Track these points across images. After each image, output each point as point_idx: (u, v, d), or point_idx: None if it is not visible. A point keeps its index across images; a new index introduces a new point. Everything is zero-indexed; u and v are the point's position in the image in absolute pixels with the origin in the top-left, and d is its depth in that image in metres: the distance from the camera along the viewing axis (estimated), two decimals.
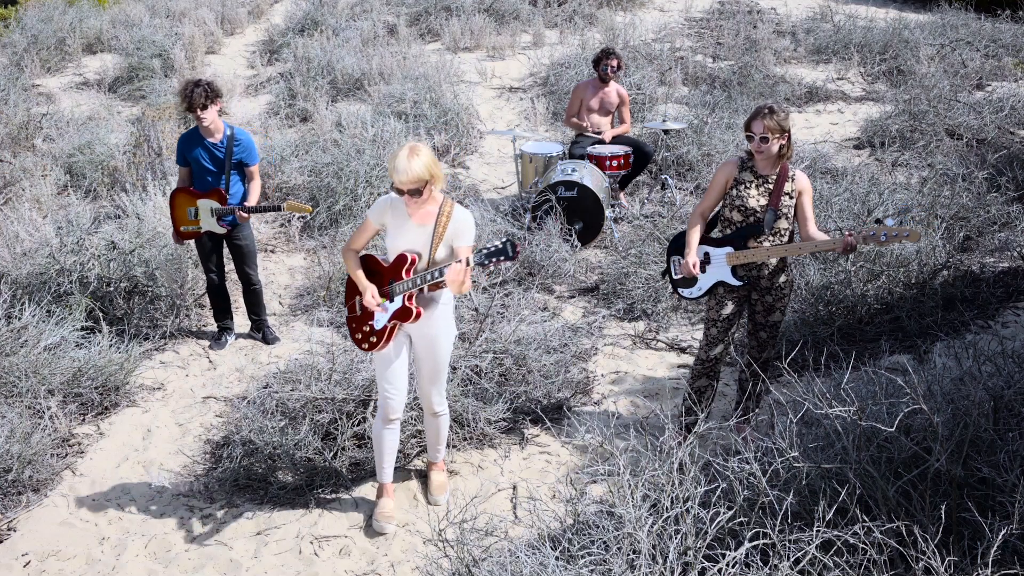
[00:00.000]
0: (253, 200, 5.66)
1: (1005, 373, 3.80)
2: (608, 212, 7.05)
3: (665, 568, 2.91)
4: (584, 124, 7.82)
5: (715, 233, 4.53)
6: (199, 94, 5.42)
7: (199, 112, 5.43)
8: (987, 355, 4.04)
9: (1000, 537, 2.71)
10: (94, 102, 10.75)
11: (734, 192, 4.35)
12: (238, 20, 14.24)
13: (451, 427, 4.72)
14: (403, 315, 3.92)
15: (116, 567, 4.05)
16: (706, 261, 4.42)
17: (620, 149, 7.55)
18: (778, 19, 13.45)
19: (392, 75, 10.83)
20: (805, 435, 3.60)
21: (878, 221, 4.10)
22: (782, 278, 4.43)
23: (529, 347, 5.27)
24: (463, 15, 13.36)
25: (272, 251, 7.37)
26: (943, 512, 2.88)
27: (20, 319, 5.44)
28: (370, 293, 3.92)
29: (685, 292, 4.53)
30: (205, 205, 5.58)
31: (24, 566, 4.06)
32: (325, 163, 7.90)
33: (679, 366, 5.52)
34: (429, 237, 3.88)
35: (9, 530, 4.28)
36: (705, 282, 4.44)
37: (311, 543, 4.14)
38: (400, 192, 3.73)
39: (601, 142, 7.72)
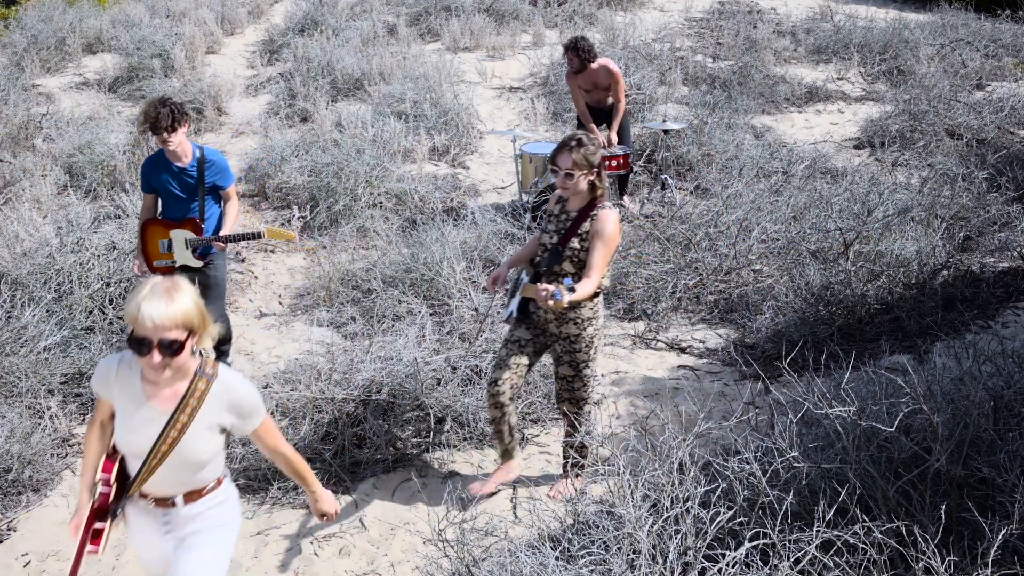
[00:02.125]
0: (229, 226, 5.14)
1: (1005, 373, 3.81)
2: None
3: (665, 568, 2.91)
4: (590, 124, 7.82)
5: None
6: (165, 115, 4.83)
7: (165, 135, 4.85)
8: (987, 355, 4.04)
9: (1000, 537, 2.71)
10: (94, 102, 10.75)
11: (544, 225, 4.10)
12: (238, 20, 14.23)
13: (451, 427, 4.73)
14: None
15: (116, 567, 4.05)
16: (518, 285, 4.15)
17: (619, 149, 7.55)
18: (778, 19, 13.45)
19: (392, 75, 10.83)
20: (805, 435, 3.60)
21: (572, 289, 3.72)
22: (571, 329, 4.03)
23: None
24: (463, 15, 13.36)
25: (272, 251, 7.37)
26: (943, 512, 2.88)
27: (20, 319, 5.44)
28: (74, 522, 2.83)
29: (502, 310, 4.29)
30: (179, 236, 5.10)
31: (24, 566, 4.06)
32: (325, 163, 7.90)
33: (679, 366, 5.53)
34: (160, 429, 2.61)
35: (9, 530, 4.28)
36: (512, 305, 4.19)
37: (311, 543, 4.14)
38: (140, 346, 2.47)
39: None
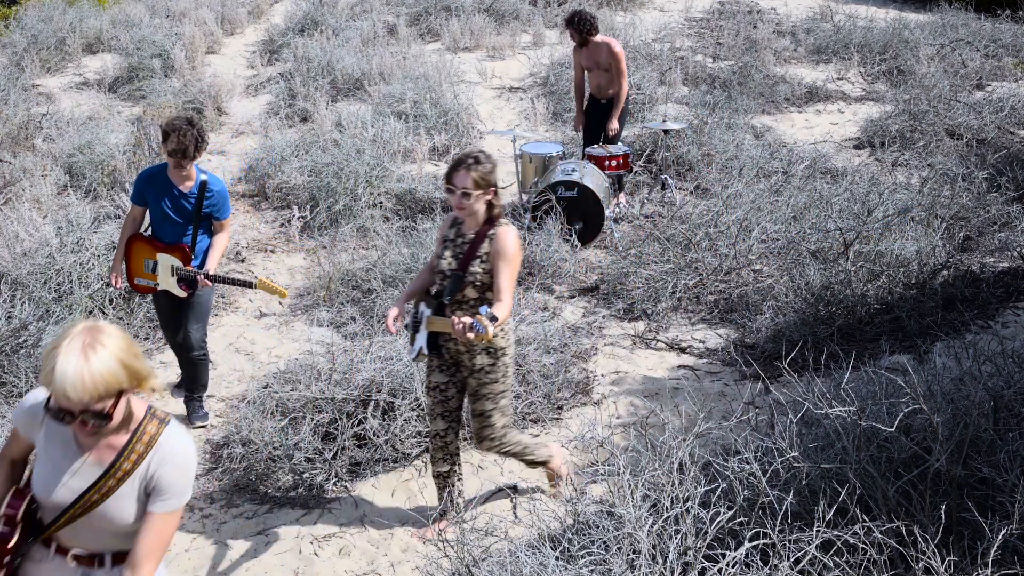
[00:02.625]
0: (215, 260, 4.82)
1: (1005, 373, 3.81)
2: (608, 212, 7.05)
3: (665, 568, 2.91)
4: (580, 107, 7.79)
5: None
6: (191, 138, 4.55)
7: (186, 163, 4.61)
8: (987, 355, 4.04)
9: (1000, 537, 2.71)
10: (94, 102, 10.75)
11: (438, 252, 3.87)
12: (238, 20, 14.23)
13: None
14: None
15: None
16: (420, 320, 3.90)
17: (619, 149, 7.55)
18: (778, 19, 13.45)
19: (392, 75, 10.83)
20: (805, 435, 3.60)
21: (493, 318, 3.50)
22: (484, 360, 3.83)
23: (529, 347, 5.27)
24: (463, 15, 13.35)
25: (272, 251, 7.37)
26: (943, 512, 2.88)
27: (20, 319, 5.44)
28: None
29: (407, 351, 3.92)
30: (165, 261, 4.80)
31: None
32: (325, 163, 7.90)
33: (679, 366, 5.53)
34: (86, 487, 2.27)
35: None
36: (418, 343, 3.92)
37: (311, 543, 4.14)
38: (61, 416, 2.14)
39: (611, 140, 7.69)
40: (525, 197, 7.47)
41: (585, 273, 6.74)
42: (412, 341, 3.96)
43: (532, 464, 4.19)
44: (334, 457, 4.54)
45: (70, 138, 8.93)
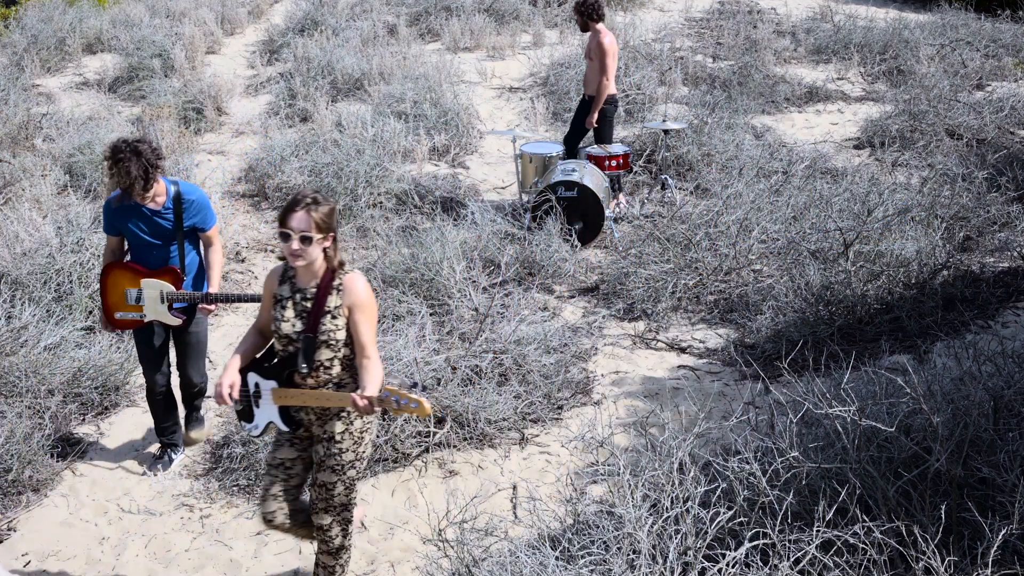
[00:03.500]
0: (215, 279, 4.36)
1: (1005, 373, 3.81)
2: (608, 212, 7.05)
3: (665, 568, 2.91)
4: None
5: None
6: (138, 171, 3.94)
7: (142, 193, 4.06)
8: (987, 355, 4.04)
9: (1000, 537, 2.71)
10: (94, 102, 10.75)
11: (274, 313, 3.40)
12: (238, 20, 14.23)
13: (451, 427, 4.73)
14: None
15: (116, 567, 4.05)
16: (258, 393, 3.46)
17: (619, 149, 7.55)
18: (778, 19, 13.45)
19: (392, 75, 10.83)
20: (805, 435, 3.60)
21: (412, 387, 3.25)
22: (335, 427, 3.40)
23: (529, 347, 5.27)
24: (463, 15, 13.35)
25: (272, 251, 7.37)
26: (943, 512, 2.89)
27: (20, 319, 5.44)
28: None
29: (247, 426, 3.53)
30: (153, 288, 4.27)
31: (24, 566, 4.06)
32: (325, 163, 7.90)
33: (679, 366, 5.52)
34: None
35: (9, 530, 4.28)
36: (260, 418, 3.48)
37: (311, 543, 4.14)
38: None
39: (601, 139, 7.68)
40: (525, 197, 7.47)
41: (585, 273, 6.74)
42: (248, 417, 3.48)
43: (331, 551, 3.60)
44: None
45: (70, 138, 8.92)
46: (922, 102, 9.19)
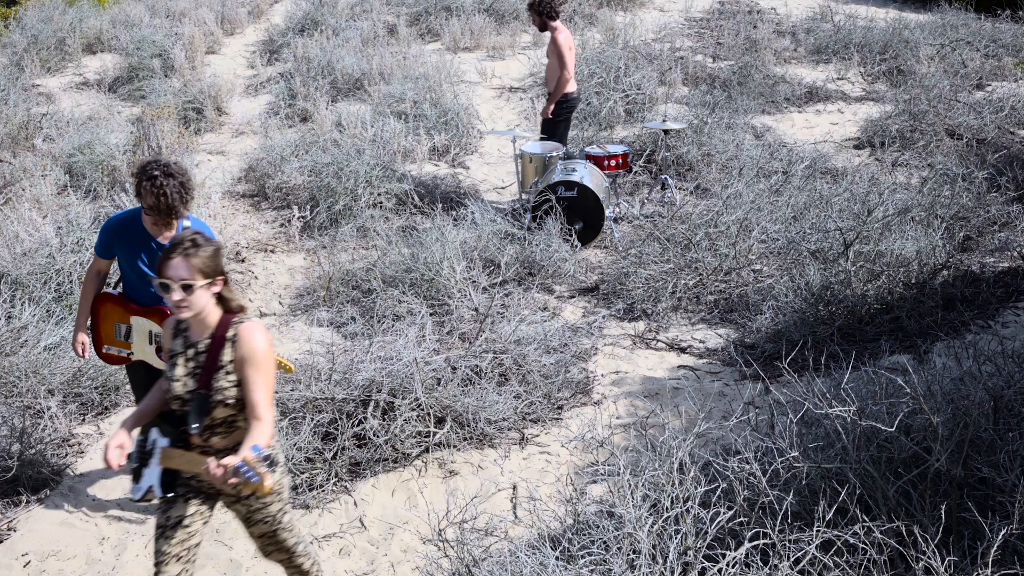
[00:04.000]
0: None
1: (1005, 373, 3.81)
2: (608, 212, 7.05)
3: (665, 568, 2.91)
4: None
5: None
6: (174, 192, 3.65)
7: (173, 221, 3.79)
8: (987, 355, 4.04)
9: (1000, 537, 2.71)
10: (94, 102, 10.75)
11: (167, 371, 3.07)
12: (238, 20, 14.23)
13: (451, 427, 4.73)
14: None
15: (116, 567, 4.05)
16: (151, 451, 3.08)
17: (618, 149, 7.55)
18: (778, 19, 13.45)
19: (392, 75, 10.83)
20: (805, 435, 3.60)
21: (268, 460, 2.79)
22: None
23: (529, 347, 5.27)
24: (463, 15, 13.35)
25: (272, 251, 7.36)
26: (943, 512, 2.89)
27: (20, 319, 5.44)
28: None
29: (130, 489, 3.15)
30: (142, 327, 4.02)
31: (24, 566, 4.06)
32: (325, 163, 7.90)
33: (679, 366, 5.53)
34: None
35: (9, 530, 4.28)
36: (145, 481, 3.10)
37: (311, 543, 4.14)
38: None
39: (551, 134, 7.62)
40: (525, 197, 7.47)
41: (585, 273, 6.74)
42: (136, 478, 3.10)
43: (302, 571, 3.40)
44: (334, 457, 4.54)
45: (70, 138, 8.93)
46: (922, 102, 9.19)
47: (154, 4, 14.53)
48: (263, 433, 2.90)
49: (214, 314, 3.00)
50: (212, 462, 2.83)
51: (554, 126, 7.64)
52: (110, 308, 4.08)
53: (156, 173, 3.64)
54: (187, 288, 2.88)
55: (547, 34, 7.50)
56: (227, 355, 2.98)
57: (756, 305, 5.91)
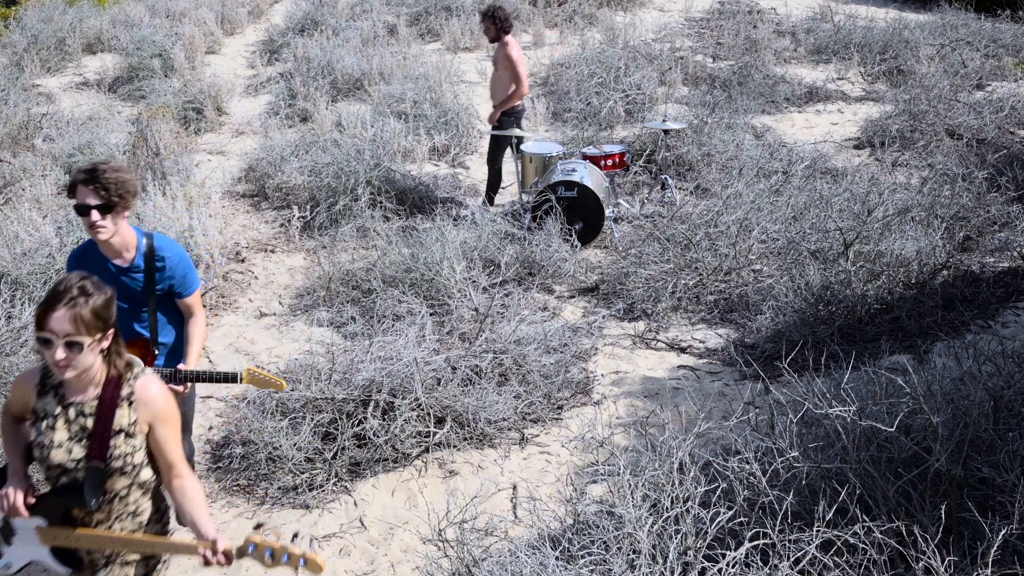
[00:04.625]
0: (193, 356, 3.55)
1: (1005, 373, 3.81)
2: (608, 212, 7.06)
3: (665, 568, 2.91)
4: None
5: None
6: (89, 187, 3.22)
7: (93, 217, 3.25)
8: (987, 355, 4.04)
9: (1000, 537, 2.71)
10: (94, 102, 10.76)
11: (34, 434, 2.60)
12: (238, 20, 14.24)
13: (451, 427, 4.73)
14: None
15: None
16: (8, 530, 2.68)
17: (615, 148, 7.56)
18: (778, 19, 13.45)
19: (392, 75, 10.83)
20: (805, 435, 3.60)
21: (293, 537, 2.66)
22: (139, 569, 2.74)
23: (529, 347, 5.27)
24: (463, 15, 13.36)
25: (272, 251, 7.36)
26: (943, 512, 2.89)
27: (20, 319, 5.44)
28: None
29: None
30: None
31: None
32: (325, 163, 7.90)
33: (679, 366, 5.53)
34: None
35: None
36: (16, 558, 2.72)
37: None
38: None
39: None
40: (525, 197, 7.48)
41: (585, 273, 6.74)
42: None
43: None
44: (334, 457, 4.54)
45: (70, 138, 8.93)
46: (922, 102, 9.19)
47: (154, 4, 14.54)
48: (198, 491, 2.65)
49: (100, 369, 2.58)
50: (204, 548, 2.54)
51: (500, 137, 7.53)
52: None
53: (86, 171, 3.27)
54: (72, 346, 2.43)
55: (496, 45, 7.44)
56: (124, 417, 2.59)
57: (756, 305, 5.91)
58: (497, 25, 7.37)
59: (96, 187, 3.23)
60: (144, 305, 3.50)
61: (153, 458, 2.68)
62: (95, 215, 3.24)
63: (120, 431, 2.58)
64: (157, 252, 3.45)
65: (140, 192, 3.41)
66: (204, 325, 3.67)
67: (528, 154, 7.54)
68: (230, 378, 3.50)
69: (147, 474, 2.68)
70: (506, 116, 7.50)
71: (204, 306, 6.17)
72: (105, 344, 2.54)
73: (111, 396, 2.57)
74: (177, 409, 2.72)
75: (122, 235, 3.37)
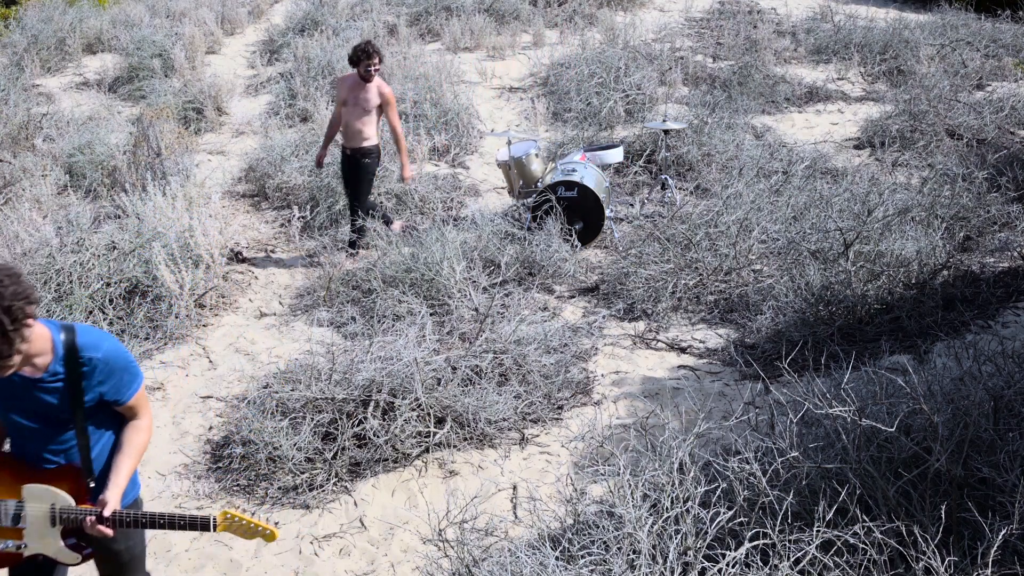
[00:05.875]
0: (118, 486, 2.69)
1: (1005, 373, 3.80)
2: (608, 212, 7.05)
3: (665, 568, 2.91)
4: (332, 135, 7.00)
5: None
6: None
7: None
8: (987, 355, 4.04)
9: (1000, 537, 2.71)
10: (94, 102, 10.76)
11: None
12: (238, 20, 14.24)
13: (451, 427, 4.73)
14: None
15: None
16: None
17: (613, 148, 7.57)
18: (778, 19, 13.45)
19: (392, 75, 10.83)
20: (805, 435, 3.60)
21: None
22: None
23: (529, 347, 5.27)
24: (463, 15, 13.36)
25: (272, 252, 7.36)
26: (943, 512, 2.88)
27: None
28: None
29: None
30: (38, 499, 2.68)
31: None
32: (325, 163, 7.89)
33: (679, 366, 5.53)
34: None
35: None
36: None
37: (311, 543, 4.14)
38: None
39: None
40: (520, 203, 7.44)
41: (585, 273, 6.74)
42: None
43: None
44: (334, 457, 4.54)
45: (70, 138, 8.93)
46: (922, 102, 9.19)
47: (154, 4, 14.54)
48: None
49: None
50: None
51: (361, 177, 6.86)
52: None
53: None
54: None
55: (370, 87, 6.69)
56: None
57: (756, 305, 5.91)
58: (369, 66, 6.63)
59: None
60: (68, 425, 2.66)
61: None
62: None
63: None
64: (81, 354, 2.58)
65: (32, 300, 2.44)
66: (149, 429, 2.80)
67: (503, 162, 7.39)
68: (202, 526, 2.75)
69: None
70: (375, 158, 6.90)
71: (203, 307, 6.19)
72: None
73: None
74: None
75: (32, 345, 2.51)
